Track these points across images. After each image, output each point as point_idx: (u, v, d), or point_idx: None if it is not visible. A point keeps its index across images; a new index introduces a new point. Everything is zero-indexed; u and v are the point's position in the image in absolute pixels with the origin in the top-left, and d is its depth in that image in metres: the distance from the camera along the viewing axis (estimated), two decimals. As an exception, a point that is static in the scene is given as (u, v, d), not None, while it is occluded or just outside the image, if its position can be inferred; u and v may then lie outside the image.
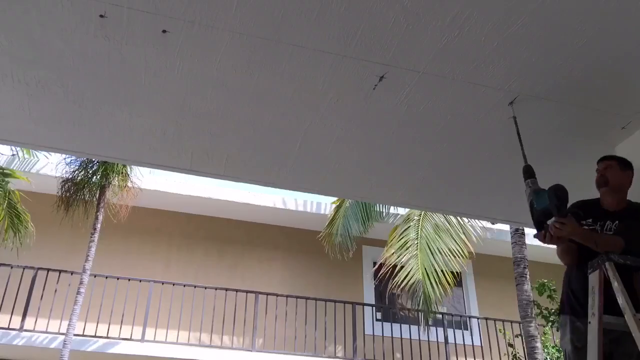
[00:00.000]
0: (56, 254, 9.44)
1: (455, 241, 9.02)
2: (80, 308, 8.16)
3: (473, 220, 9.25)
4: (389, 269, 8.80)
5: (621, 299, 2.27)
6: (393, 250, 8.93)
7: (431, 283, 8.55)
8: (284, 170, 3.41)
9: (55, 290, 8.66)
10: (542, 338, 8.60)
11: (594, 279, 2.38)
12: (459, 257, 8.87)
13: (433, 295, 8.49)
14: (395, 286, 8.66)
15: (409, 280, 8.60)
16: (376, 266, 9.09)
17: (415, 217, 9.24)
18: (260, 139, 3.13)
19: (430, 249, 8.85)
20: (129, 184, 9.09)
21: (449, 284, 8.71)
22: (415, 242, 8.94)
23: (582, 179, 2.83)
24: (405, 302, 9.24)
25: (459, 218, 9.11)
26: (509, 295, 9.19)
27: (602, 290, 2.33)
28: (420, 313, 8.99)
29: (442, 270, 8.72)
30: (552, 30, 2.37)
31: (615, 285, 2.29)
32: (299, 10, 2.32)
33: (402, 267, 8.77)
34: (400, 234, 9.15)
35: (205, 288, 9.31)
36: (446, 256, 8.85)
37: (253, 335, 9.26)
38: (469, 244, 9.14)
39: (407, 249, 8.88)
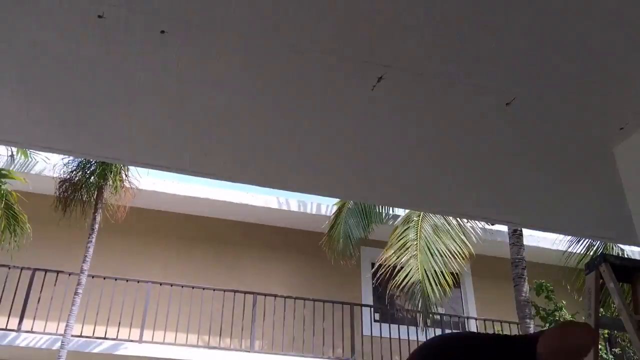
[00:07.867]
0: (53, 254, 9.43)
1: (455, 242, 9.05)
2: (78, 309, 8.14)
3: (472, 221, 9.27)
4: (388, 270, 8.81)
5: (617, 300, 2.27)
6: (392, 251, 8.95)
7: (431, 284, 8.57)
8: (283, 171, 3.41)
9: (53, 292, 8.63)
10: (540, 339, 8.59)
11: (589, 280, 2.38)
12: (458, 258, 8.90)
13: (433, 296, 8.50)
14: (394, 287, 8.67)
15: (408, 281, 8.61)
16: (375, 267, 9.10)
17: (415, 218, 9.26)
18: (259, 139, 3.12)
19: (429, 250, 8.87)
20: (127, 185, 9.08)
21: (448, 285, 8.73)
22: (415, 243, 8.96)
23: (580, 180, 2.83)
24: (404, 303, 9.24)
25: (458, 219, 9.14)
26: (506, 296, 9.19)
27: (598, 292, 2.33)
28: (419, 314, 9.02)
29: (441, 272, 8.74)
30: (551, 30, 2.37)
31: (611, 286, 2.29)
32: (299, 11, 2.31)
33: (401, 267, 8.79)
34: (400, 235, 9.17)
35: (203, 289, 9.30)
36: (446, 257, 8.87)
37: (251, 337, 9.24)
38: (469, 244, 9.15)
39: (406, 250, 8.90)
